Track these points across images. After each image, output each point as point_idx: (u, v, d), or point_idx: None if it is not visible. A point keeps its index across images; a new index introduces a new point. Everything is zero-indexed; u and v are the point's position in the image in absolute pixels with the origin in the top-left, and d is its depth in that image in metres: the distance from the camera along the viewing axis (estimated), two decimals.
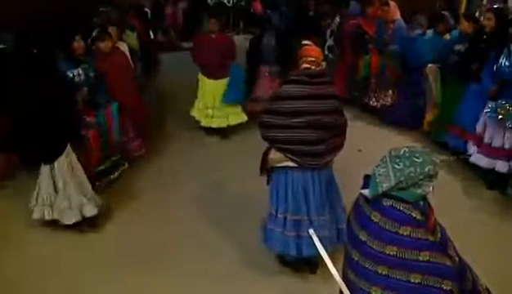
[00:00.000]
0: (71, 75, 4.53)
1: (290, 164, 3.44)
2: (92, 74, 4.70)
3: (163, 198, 4.89)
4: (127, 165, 5.20)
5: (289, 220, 3.51)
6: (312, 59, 3.45)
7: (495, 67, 4.70)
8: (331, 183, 3.60)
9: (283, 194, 3.51)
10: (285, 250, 3.58)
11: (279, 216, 3.54)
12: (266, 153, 3.57)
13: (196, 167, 5.56)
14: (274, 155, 3.49)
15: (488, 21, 5.11)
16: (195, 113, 6.58)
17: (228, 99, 6.22)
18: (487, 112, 4.78)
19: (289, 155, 3.42)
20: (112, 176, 4.95)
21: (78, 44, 4.61)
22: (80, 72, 4.60)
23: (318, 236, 3.34)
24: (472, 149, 5.16)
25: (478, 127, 4.99)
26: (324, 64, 3.56)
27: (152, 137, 6.18)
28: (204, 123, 6.48)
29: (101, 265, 3.83)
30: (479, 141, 4.98)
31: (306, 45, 3.60)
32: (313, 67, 3.43)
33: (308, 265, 3.72)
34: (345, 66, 7.40)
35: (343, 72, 7.36)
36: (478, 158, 4.95)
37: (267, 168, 3.57)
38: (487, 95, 4.83)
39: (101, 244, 4.13)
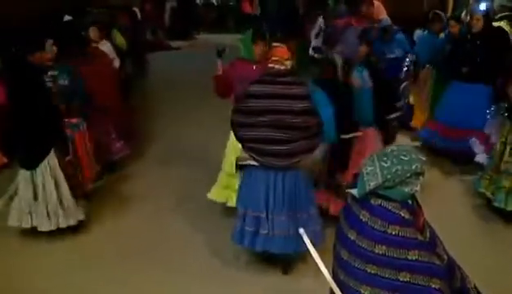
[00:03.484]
0: None
1: (252, 162, 3.50)
2: (63, 81, 4.38)
3: (150, 199, 4.88)
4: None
5: (248, 215, 3.57)
6: (276, 58, 3.48)
7: None
8: (298, 185, 3.57)
9: (246, 191, 3.60)
10: (241, 243, 3.65)
11: (240, 211, 3.63)
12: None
13: (183, 167, 5.54)
14: (241, 153, 3.58)
15: (476, 22, 5.16)
16: (214, 191, 4.59)
17: None
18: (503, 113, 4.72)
19: (251, 153, 3.47)
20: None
21: (51, 48, 4.37)
22: (46, 79, 4.34)
23: (276, 233, 3.47)
24: (478, 148, 5.14)
25: (488, 128, 4.99)
26: (288, 63, 3.50)
27: (138, 138, 6.13)
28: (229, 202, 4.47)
29: (92, 266, 3.81)
30: (486, 141, 5.00)
31: (275, 46, 3.63)
32: (277, 66, 3.46)
33: (280, 264, 3.77)
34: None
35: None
36: (483, 158, 4.98)
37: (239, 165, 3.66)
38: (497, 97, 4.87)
39: (91, 245, 4.12)
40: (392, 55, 6.27)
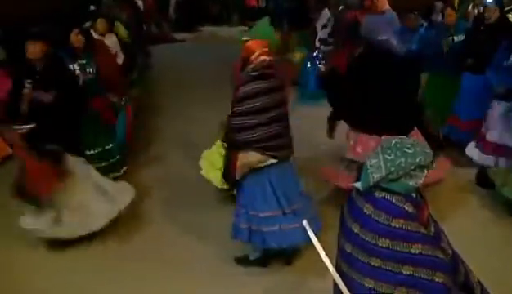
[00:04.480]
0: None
1: (270, 161, 3.42)
2: (89, 70, 4.51)
3: (151, 198, 4.83)
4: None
5: (260, 216, 3.49)
6: (266, 49, 3.38)
7: (506, 62, 4.58)
8: (296, 174, 3.67)
9: (262, 193, 3.47)
10: (253, 243, 3.59)
11: (251, 212, 3.51)
12: (233, 160, 3.46)
13: (186, 165, 5.50)
14: (251, 157, 3.39)
15: (492, 13, 5.06)
16: (205, 168, 4.58)
17: None
18: (505, 112, 4.67)
19: (268, 152, 3.39)
20: None
21: (76, 38, 4.46)
22: (76, 67, 4.46)
23: (295, 226, 3.37)
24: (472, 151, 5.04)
25: (489, 124, 4.86)
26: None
27: (141, 134, 6.12)
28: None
29: (92, 266, 3.78)
30: (482, 137, 4.91)
31: (248, 41, 3.50)
32: (268, 57, 3.37)
33: (284, 257, 3.74)
34: (345, 58, 7.38)
35: (343, 64, 7.35)
36: (473, 152, 4.92)
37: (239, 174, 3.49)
38: (494, 92, 4.75)
39: (92, 244, 4.06)
40: (412, 47, 6.22)
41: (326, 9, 7.88)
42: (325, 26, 7.74)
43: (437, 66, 5.58)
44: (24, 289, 3.58)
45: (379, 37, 4.02)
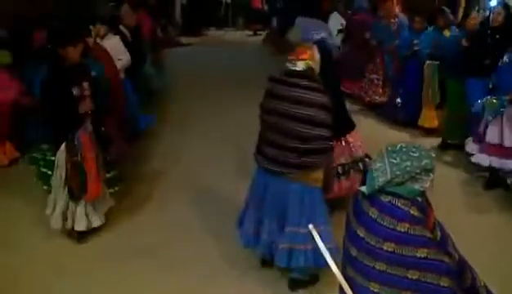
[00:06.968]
0: None
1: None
2: (94, 73, 4.17)
3: (156, 200, 4.84)
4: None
5: (249, 213, 3.54)
6: (292, 57, 3.32)
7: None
8: (288, 198, 3.31)
9: (251, 187, 3.60)
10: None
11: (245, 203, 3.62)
12: None
13: (188, 166, 5.51)
14: None
15: (498, 16, 5.09)
16: None
17: None
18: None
19: (255, 151, 3.49)
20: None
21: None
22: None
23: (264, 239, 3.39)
24: (472, 147, 5.04)
25: (481, 125, 4.85)
26: (302, 64, 3.27)
27: (145, 134, 6.15)
28: None
29: (93, 266, 3.78)
30: (481, 140, 4.87)
31: (298, 45, 3.48)
32: (290, 65, 3.30)
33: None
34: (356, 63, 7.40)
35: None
36: (480, 159, 4.85)
37: None
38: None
39: (93, 243, 4.10)
40: (416, 48, 6.24)
41: (335, 12, 7.89)
42: (340, 31, 7.70)
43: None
44: (23, 289, 3.58)
45: (315, 38, 3.89)
